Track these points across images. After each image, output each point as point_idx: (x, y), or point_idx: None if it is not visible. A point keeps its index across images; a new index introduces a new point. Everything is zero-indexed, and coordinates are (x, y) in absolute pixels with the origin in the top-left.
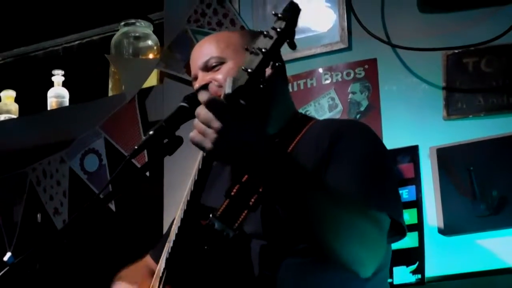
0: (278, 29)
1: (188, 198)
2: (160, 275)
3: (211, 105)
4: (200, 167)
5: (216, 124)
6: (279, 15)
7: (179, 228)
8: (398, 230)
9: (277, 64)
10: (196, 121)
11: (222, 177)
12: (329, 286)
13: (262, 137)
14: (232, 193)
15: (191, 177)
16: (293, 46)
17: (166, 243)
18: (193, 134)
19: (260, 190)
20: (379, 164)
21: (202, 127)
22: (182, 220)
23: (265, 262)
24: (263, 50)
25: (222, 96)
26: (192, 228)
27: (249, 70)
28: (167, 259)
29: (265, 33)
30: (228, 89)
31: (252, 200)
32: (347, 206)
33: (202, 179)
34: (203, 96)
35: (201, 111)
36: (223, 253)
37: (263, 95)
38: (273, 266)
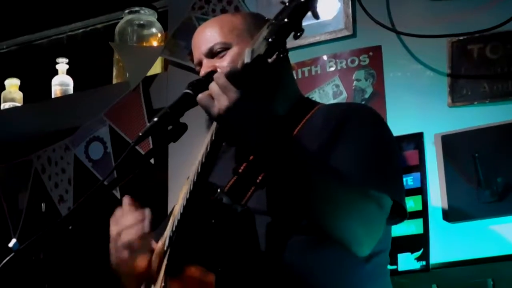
0: (298, 2)
1: (195, 180)
2: (164, 249)
3: (232, 75)
4: (207, 149)
5: (232, 94)
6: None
7: (184, 206)
8: (399, 212)
9: (298, 34)
10: (212, 84)
11: (228, 156)
12: (328, 264)
13: (270, 116)
14: (240, 170)
15: (198, 159)
16: (316, 16)
17: (170, 221)
18: (203, 96)
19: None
20: (382, 146)
21: (216, 91)
22: (188, 200)
23: (269, 239)
24: (284, 19)
25: (240, 65)
26: (199, 204)
27: (270, 40)
28: (171, 236)
29: (286, 3)
30: (247, 59)
31: (260, 177)
32: (347, 185)
33: (209, 162)
34: (225, 67)
35: (221, 77)
36: (230, 227)
37: (267, 78)
38: (277, 243)
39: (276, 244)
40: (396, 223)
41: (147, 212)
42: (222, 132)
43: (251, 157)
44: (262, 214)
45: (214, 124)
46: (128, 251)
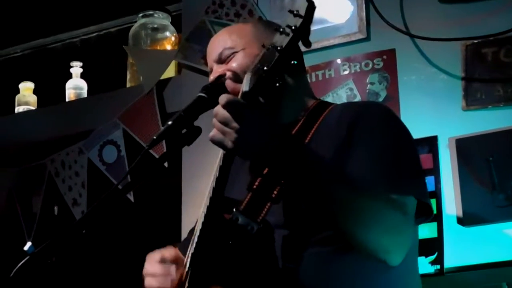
0: (293, 27)
1: (211, 195)
2: (186, 270)
3: (229, 105)
4: (221, 163)
5: (234, 124)
6: (295, 12)
7: (202, 223)
8: (425, 210)
9: (292, 62)
10: (214, 120)
11: (243, 170)
12: (352, 274)
13: (279, 133)
14: (254, 186)
15: (213, 173)
16: (307, 44)
17: (192, 239)
18: (213, 133)
19: (282, 182)
20: (400, 146)
21: (221, 127)
22: (206, 216)
23: (287, 253)
24: (279, 48)
25: (240, 94)
26: (216, 223)
27: (265, 68)
28: (192, 255)
29: (281, 30)
30: (245, 87)
31: (275, 192)
32: (368, 193)
33: (224, 175)
34: (221, 98)
35: (219, 111)
36: (247, 247)
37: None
38: (296, 257)
39: (294, 258)
40: (422, 222)
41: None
42: (230, 157)
43: (265, 171)
44: (280, 228)
45: (221, 151)
46: None
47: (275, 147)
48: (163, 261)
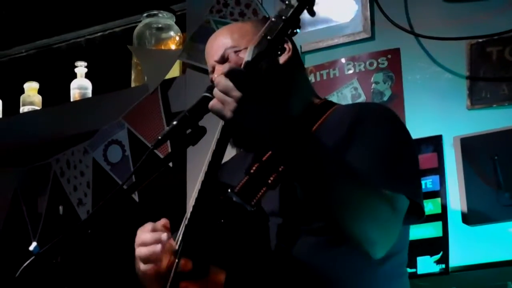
0: None
1: (203, 179)
2: (176, 248)
3: (231, 74)
4: (214, 148)
5: (236, 93)
6: None
7: (194, 205)
8: (417, 212)
9: (295, 31)
10: (215, 90)
11: (244, 162)
12: (341, 265)
13: (283, 112)
14: (252, 171)
15: (206, 159)
16: (312, 13)
17: (184, 217)
18: (213, 102)
19: (280, 169)
20: (396, 145)
21: (221, 96)
22: (197, 199)
23: (282, 240)
24: (283, 17)
25: (242, 65)
26: (209, 203)
27: (269, 37)
28: (183, 233)
29: (286, 2)
30: (248, 57)
31: (271, 178)
32: (361, 185)
33: (216, 160)
34: (224, 66)
35: (221, 79)
36: (240, 227)
37: (280, 79)
38: (289, 244)
39: (288, 245)
40: (413, 222)
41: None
42: (228, 130)
43: (264, 158)
44: (273, 215)
45: (221, 122)
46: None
47: (276, 126)
48: (154, 230)
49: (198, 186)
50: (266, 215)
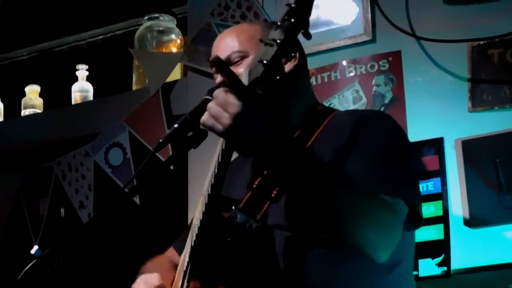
0: (292, 20)
1: (209, 192)
2: (184, 268)
3: (232, 89)
4: (219, 160)
5: (233, 108)
6: (292, 5)
7: (201, 221)
8: (415, 218)
9: (293, 54)
10: (211, 103)
11: (245, 170)
12: (350, 277)
13: (277, 131)
14: (254, 186)
15: (210, 170)
16: (308, 36)
17: (189, 236)
18: (205, 117)
19: (281, 183)
20: (395, 152)
21: (217, 110)
22: (204, 213)
23: (289, 254)
24: (278, 41)
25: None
26: (215, 221)
27: (264, 62)
28: (190, 252)
29: (279, 23)
30: (244, 82)
31: (274, 192)
32: (362, 191)
33: (222, 172)
34: (225, 79)
35: (220, 93)
36: (246, 245)
37: (283, 87)
38: (297, 258)
39: (296, 259)
40: (411, 229)
41: None
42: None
43: (265, 172)
44: (279, 229)
45: None
46: None
47: (272, 144)
48: None
49: (203, 200)
50: (271, 228)
